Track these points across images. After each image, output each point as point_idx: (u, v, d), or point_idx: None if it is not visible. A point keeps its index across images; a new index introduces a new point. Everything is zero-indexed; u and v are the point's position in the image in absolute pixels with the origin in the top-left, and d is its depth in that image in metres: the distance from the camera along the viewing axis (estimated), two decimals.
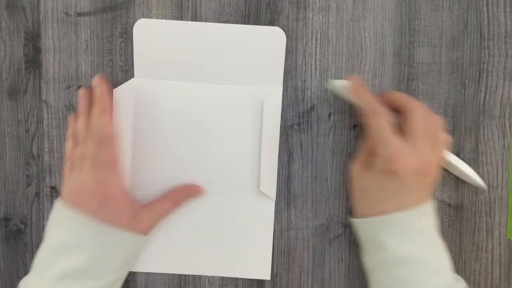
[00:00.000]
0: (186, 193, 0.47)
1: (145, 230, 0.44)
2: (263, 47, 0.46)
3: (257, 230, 0.48)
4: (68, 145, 0.46)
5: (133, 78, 0.47)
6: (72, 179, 0.43)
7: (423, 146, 0.41)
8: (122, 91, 0.47)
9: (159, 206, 0.45)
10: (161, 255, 0.48)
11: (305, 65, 0.48)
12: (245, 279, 0.48)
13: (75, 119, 0.46)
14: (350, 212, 0.48)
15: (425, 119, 0.41)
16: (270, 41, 0.47)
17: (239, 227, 0.48)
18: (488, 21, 0.47)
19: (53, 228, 0.42)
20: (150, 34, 0.47)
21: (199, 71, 0.47)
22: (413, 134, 0.41)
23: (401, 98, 0.43)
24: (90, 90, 0.46)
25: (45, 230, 0.43)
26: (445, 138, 0.43)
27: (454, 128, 0.48)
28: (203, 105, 0.47)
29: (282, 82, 0.47)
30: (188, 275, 0.48)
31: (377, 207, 0.42)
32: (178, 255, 0.48)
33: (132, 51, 0.47)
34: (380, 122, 0.41)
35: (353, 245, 0.48)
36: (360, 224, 0.44)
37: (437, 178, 0.43)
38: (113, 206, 0.42)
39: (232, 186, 0.47)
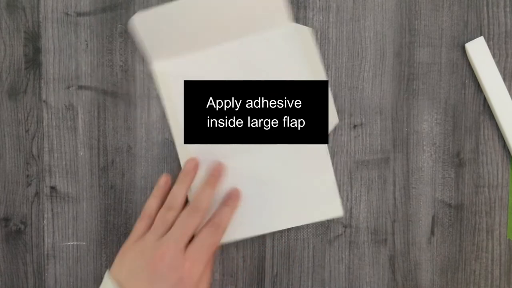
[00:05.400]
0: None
1: None
2: None
3: (316, 169, 0.47)
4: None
5: (154, 63, 0.47)
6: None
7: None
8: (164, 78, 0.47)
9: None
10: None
11: None
12: (245, 278, 0.48)
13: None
14: (348, 212, 0.48)
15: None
16: None
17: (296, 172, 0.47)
18: (488, 21, 0.47)
19: None
20: (150, 24, 0.46)
21: (213, 35, 0.46)
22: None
23: None
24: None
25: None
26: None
27: (454, 128, 0.48)
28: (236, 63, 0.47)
29: (289, 17, 0.46)
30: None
31: None
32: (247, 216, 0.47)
33: (132, 51, 0.47)
34: None
35: (353, 245, 0.48)
36: None
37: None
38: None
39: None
